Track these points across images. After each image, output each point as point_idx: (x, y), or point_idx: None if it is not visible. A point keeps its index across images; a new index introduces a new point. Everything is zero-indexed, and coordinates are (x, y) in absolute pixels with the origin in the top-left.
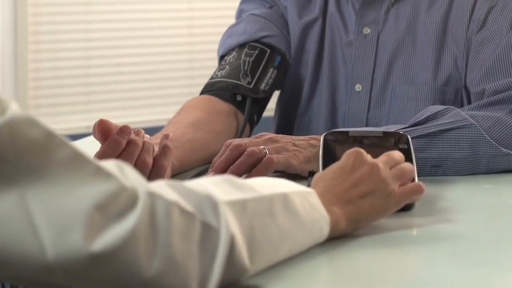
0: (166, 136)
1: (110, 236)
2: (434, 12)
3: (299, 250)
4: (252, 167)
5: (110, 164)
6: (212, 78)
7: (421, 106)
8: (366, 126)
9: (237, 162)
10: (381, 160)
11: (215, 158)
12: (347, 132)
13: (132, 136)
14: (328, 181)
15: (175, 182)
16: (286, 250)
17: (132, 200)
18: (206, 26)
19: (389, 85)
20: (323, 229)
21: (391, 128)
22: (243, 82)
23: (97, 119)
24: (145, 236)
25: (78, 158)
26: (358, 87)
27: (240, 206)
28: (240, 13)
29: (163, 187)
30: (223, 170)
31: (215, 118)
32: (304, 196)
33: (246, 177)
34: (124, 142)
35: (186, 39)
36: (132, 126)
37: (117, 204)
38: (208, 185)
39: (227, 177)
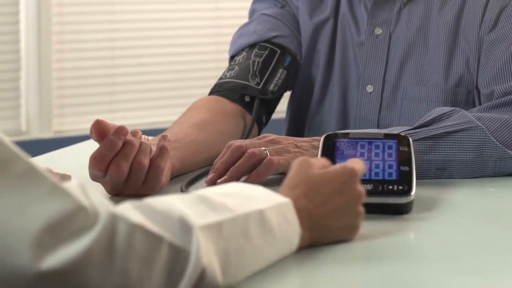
0: (164, 137)
1: (60, 257)
2: (446, 12)
3: (268, 264)
4: (252, 168)
5: (72, 184)
6: (221, 78)
7: (433, 107)
8: (378, 127)
9: (237, 163)
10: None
11: (216, 159)
12: (347, 134)
13: (129, 137)
14: (306, 193)
15: (143, 203)
16: (257, 267)
17: (90, 222)
18: (232, 26)
19: (400, 86)
20: (294, 245)
21: (397, 129)
22: (252, 83)
23: (121, 119)
24: (100, 260)
25: (34, 174)
26: (369, 88)
27: (216, 229)
28: (252, 13)
29: (128, 209)
30: (223, 171)
31: (221, 119)
32: (281, 210)
33: (246, 179)
34: (120, 143)
35: (212, 39)
36: (155, 126)
37: (71, 225)
38: (182, 207)
39: (201, 195)
